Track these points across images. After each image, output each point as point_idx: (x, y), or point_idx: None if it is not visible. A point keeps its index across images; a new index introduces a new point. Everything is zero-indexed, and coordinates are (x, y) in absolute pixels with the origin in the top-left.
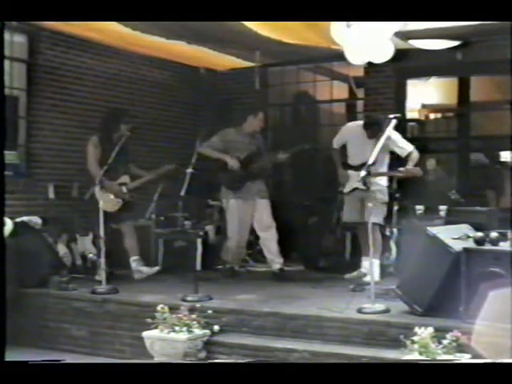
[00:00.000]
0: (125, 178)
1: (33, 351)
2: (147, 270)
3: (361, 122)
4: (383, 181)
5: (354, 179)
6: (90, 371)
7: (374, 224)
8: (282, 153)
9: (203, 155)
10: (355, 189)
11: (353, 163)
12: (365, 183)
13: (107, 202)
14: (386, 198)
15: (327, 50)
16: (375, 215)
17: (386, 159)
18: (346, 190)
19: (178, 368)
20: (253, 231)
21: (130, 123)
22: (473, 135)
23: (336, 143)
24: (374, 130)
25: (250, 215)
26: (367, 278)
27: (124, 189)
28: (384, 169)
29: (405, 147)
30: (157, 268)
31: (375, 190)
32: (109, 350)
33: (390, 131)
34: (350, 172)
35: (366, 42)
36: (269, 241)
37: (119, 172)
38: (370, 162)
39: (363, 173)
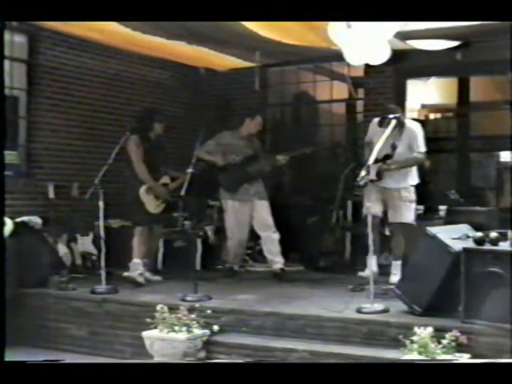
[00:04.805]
0: (165, 179)
1: (33, 351)
2: (149, 276)
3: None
4: (409, 179)
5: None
6: (90, 371)
7: (401, 224)
8: (281, 156)
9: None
10: (371, 180)
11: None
12: (376, 175)
13: (151, 203)
14: (412, 197)
15: (327, 51)
16: (402, 214)
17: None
18: (361, 182)
19: (177, 368)
20: (253, 231)
21: (164, 122)
22: (473, 135)
23: (367, 139)
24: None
25: (249, 216)
26: (366, 273)
27: (167, 190)
28: (409, 170)
29: (421, 147)
30: (159, 278)
31: (400, 188)
32: (109, 350)
33: (419, 129)
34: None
35: (363, 43)
36: (269, 241)
37: (160, 172)
38: (371, 161)
39: (363, 172)
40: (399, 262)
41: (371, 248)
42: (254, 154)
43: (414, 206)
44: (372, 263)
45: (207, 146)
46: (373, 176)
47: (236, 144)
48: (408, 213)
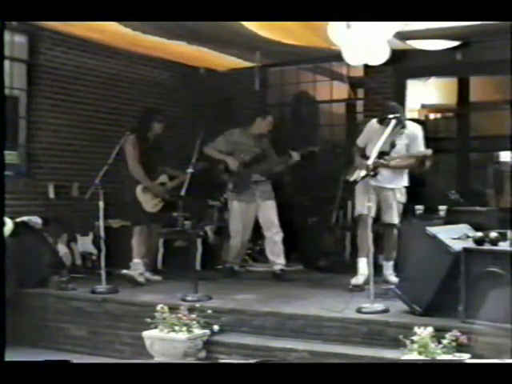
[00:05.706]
0: (163, 178)
1: (33, 351)
2: (149, 276)
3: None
4: (403, 180)
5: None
6: (90, 371)
7: (392, 225)
8: (294, 154)
9: (205, 155)
10: (363, 177)
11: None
12: (373, 171)
13: (148, 202)
14: (403, 199)
15: (327, 51)
16: (394, 215)
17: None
18: (353, 178)
19: (177, 368)
20: (254, 231)
21: (163, 122)
22: (472, 135)
23: (361, 143)
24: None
25: (253, 217)
26: (364, 275)
27: (164, 189)
28: (404, 171)
29: (421, 147)
30: (159, 278)
31: (394, 188)
32: (109, 350)
33: (419, 131)
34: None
35: (363, 43)
36: (272, 242)
37: (158, 172)
38: (370, 162)
39: (363, 172)
40: (391, 263)
41: (371, 250)
42: (262, 153)
43: (401, 208)
44: (363, 266)
45: (217, 144)
46: (364, 172)
47: (245, 143)
48: (397, 214)
